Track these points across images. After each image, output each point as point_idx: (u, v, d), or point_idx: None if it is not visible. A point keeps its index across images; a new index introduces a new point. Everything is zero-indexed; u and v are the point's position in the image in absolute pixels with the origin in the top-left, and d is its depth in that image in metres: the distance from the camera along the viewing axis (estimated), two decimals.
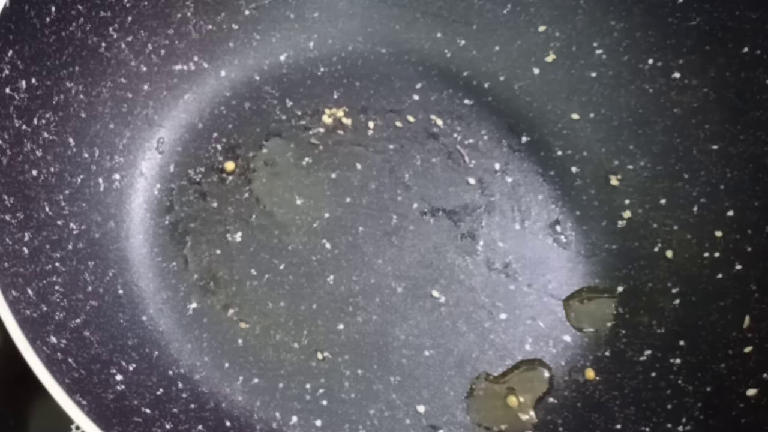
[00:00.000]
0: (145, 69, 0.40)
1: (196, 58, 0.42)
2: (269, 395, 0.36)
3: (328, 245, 0.40)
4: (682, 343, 0.36)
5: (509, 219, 0.41)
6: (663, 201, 0.39)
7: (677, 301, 0.37)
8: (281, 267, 0.39)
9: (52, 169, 0.35)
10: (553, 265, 0.40)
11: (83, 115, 0.37)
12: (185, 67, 0.42)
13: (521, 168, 0.42)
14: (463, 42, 0.45)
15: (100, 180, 0.38)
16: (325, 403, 0.36)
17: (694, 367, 0.35)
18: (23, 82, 0.33)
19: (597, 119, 0.43)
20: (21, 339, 0.27)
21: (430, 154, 0.42)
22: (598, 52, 0.42)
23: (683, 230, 0.38)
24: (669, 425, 0.34)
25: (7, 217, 0.31)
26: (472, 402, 0.36)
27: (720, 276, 0.36)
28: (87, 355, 0.31)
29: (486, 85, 0.44)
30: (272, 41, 0.44)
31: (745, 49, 0.37)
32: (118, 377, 0.32)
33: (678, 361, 0.36)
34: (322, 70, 0.44)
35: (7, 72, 0.32)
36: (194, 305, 0.38)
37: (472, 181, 0.42)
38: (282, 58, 0.44)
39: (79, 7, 0.35)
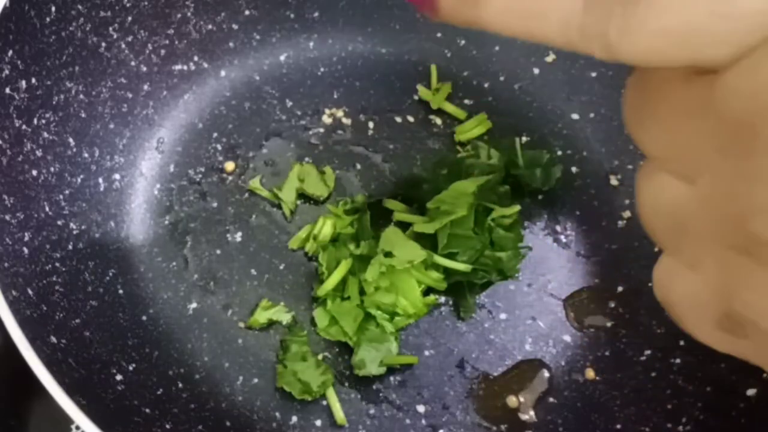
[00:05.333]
0: (145, 69, 0.40)
1: (196, 58, 0.42)
2: (269, 395, 0.36)
3: None
4: (682, 343, 0.36)
5: None
6: None
7: None
8: (281, 267, 0.39)
9: (52, 169, 0.35)
10: (553, 265, 0.39)
11: (83, 115, 0.37)
12: (185, 67, 0.42)
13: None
14: (463, 42, 0.45)
15: (100, 180, 0.38)
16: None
17: (694, 367, 0.35)
18: (23, 82, 0.33)
19: (597, 119, 0.43)
20: (21, 339, 0.27)
21: (431, 154, 0.42)
22: None
23: None
24: (669, 425, 0.34)
25: (7, 217, 0.31)
26: (472, 402, 0.36)
27: None
28: (87, 355, 0.31)
29: (486, 85, 0.44)
30: (272, 41, 0.44)
31: None
32: (118, 377, 0.32)
33: (678, 361, 0.36)
34: (322, 70, 0.44)
35: (7, 72, 0.32)
36: (194, 305, 0.38)
37: None
38: (282, 58, 0.44)
39: (79, 7, 0.35)
